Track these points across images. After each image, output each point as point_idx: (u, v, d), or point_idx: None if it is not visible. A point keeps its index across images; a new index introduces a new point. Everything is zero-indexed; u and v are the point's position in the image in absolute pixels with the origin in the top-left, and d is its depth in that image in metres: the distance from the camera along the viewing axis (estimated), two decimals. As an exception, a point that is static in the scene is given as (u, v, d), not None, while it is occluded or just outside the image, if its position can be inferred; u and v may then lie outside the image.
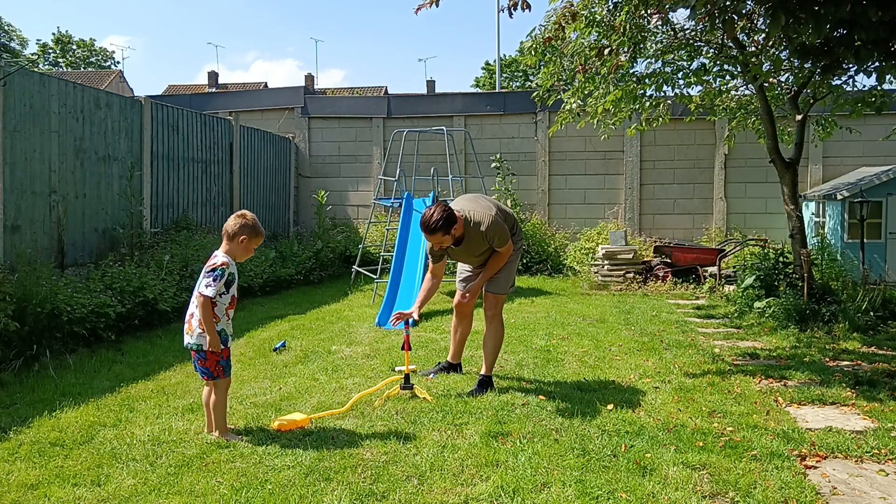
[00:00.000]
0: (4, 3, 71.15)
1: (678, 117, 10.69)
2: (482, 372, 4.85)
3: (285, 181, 13.05)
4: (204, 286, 3.71)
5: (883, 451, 3.67)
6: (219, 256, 3.80)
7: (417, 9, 5.34)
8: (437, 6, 5.22)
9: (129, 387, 4.83)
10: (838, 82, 7.38)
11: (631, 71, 7.28)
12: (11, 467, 3.42)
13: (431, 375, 5.10)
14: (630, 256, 10.43)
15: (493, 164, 12.32)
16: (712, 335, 6.79)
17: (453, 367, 5.23)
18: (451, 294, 9.46)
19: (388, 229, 10.20)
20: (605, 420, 4.10)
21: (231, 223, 3.85)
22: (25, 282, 5.63)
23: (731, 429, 3.98)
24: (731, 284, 9.14)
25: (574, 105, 7.65)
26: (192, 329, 3.78)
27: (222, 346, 3.78)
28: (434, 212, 4.45)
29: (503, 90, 26.76)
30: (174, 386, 4.87)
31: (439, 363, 5.37)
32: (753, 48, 7.33)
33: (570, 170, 12.80)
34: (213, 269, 3.74)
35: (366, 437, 3.81)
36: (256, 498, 3.08)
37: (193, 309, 3.79)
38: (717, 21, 4.91)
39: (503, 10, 5.48)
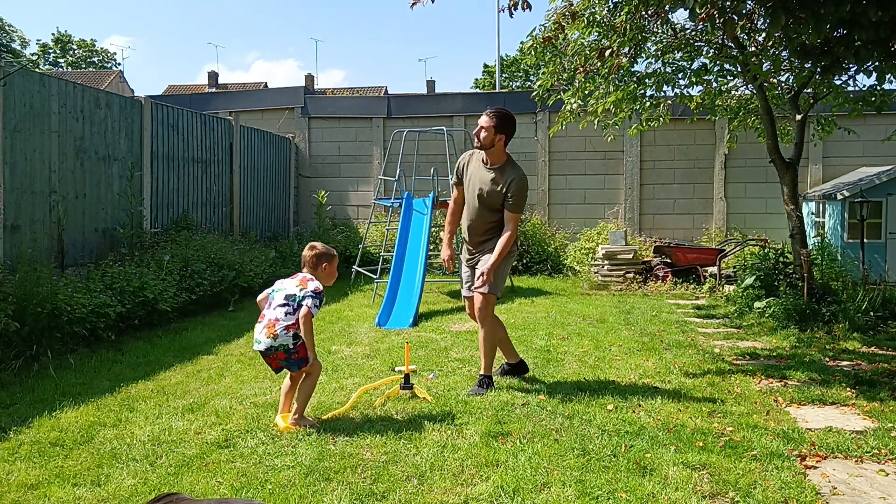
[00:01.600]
0: (4, 4, 71.17)
1: (678, 117, 10.69)
2: (481, 371, 4.85)
3: (285, 181, 13.04)
4: (312, 305, 3.97)
5: (883, 451, 3.67)
6: (315, 282, 4.08)
7: (413, 3, 5.34)
8: (434, 2, 5.23)
9: (129, 387, 4.83)
10: (839, 82, 7.38)
11: (631, 71, 7.29)
12: (11, 467, 3.42)
13: (499, 373, 5.03)
14: (630, 256, 10.43)
15: (493, 164, 12.31)
16: (712, 335, 6.79)
17: (515, 368, 5.08)
18: (452, 294, 9.47)
19: (388, 229, 10.21)
20: (605, 420, 4.10)
21: (308, 255, 4.18)
22: (25, 282, 5.62)
23: (731, 429, 3.98)
24: (731, 284, 9.13)
25: (574, 105, 7.66)
26: (276, 332, 3.93)
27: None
28: (505, 109, 4.80)
29: (503, 90, 26.75)
30: (174, 386, 4.87)
31: (501, 366, 5.17)
32: (753, 48, 7.33)
33: (570, 170, 12.79)
34: (320, 293, 4.03)
35: (366, 437, 3.81)
36: (256, 498, 3.08)
37: (280, 315, 3.96)
38: (718, 21, 4.92)
39: (503, 10, 5.50)
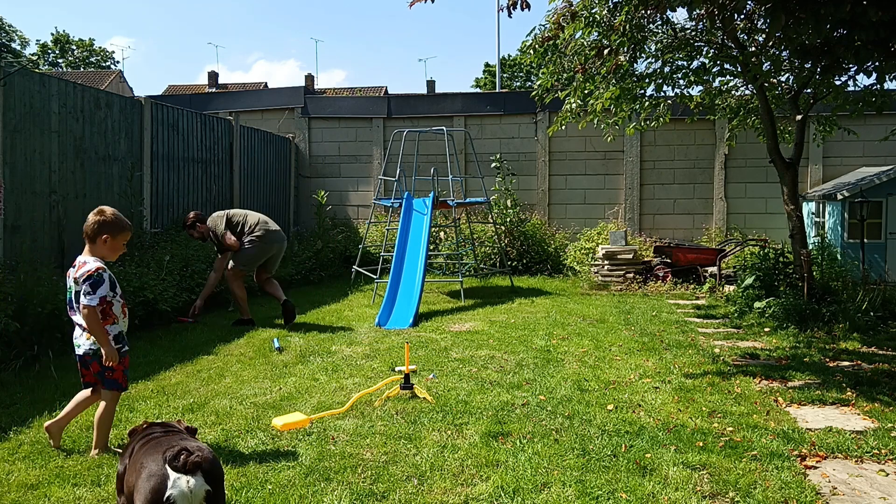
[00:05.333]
0: (4, 4, 71.19)
1: (678, 117, 10.69)
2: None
3: (285, 181, 13.04)
4: (88, 300, 3.43)
5: (883, 451, 3.67)
6: (89, 263, 3.51)
7: (411, 3, 5.34)
8: (433, 1, 5.23)
9: (129, 387, 4.83)
10: (839, 82, 7.39)
11: (631, 70, 7.28)
12: (11, 467, 3.43)
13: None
14: (630, 256, 10.43)
15: (493, 164, 12.32)
16: (712, 335, 6.79)
17: (242, 322, 7.13)
18: (452, 294, 9.47)
19: (388, 229, 10.21)
20: (605, 420, 4.10)
21: (90, 222, 3.55)
22: (26, 282, 5.62)
23: (731, 429, 3.98)
24: (731, 284, 9.13)
25: (574, 105, 7.65)
26: (89, 335, 3.55)
27: (122, 355, 3.59)
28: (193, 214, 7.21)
29: (503, 90, 26.76)
30: (174, 386, 4.88)
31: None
32: (753, 48, 7.33)
33: (570, 170, 12.79)
34: (89, 277, 3.46)
35: (366, 437, 3.81)
36: (256, 498, 3.08)
37: (78, 318, 3.56)
38: (717, 19, 4.92)
39: (503, 10, 5.50)
